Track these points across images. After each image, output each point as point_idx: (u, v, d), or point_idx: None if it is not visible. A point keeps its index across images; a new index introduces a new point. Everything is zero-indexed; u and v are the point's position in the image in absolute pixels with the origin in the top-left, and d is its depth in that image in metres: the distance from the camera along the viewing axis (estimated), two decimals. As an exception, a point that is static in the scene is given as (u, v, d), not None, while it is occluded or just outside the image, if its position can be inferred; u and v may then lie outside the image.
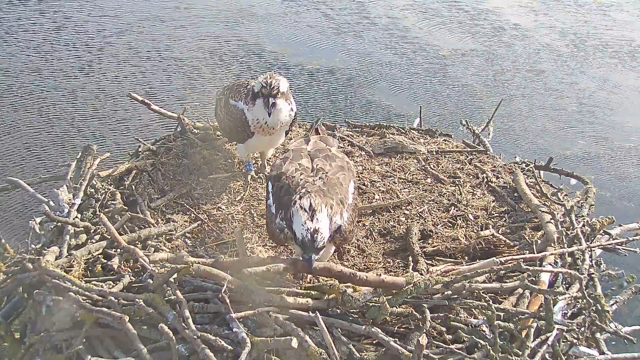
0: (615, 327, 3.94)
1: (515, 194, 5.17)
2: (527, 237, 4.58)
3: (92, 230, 4.28)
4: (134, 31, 9.75)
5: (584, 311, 3.86)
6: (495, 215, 4.95)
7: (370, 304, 3.50)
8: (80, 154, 5.16)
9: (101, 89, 8.19)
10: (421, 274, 3.93)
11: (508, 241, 4.53)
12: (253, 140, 4.97)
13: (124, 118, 7.58)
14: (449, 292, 3.70)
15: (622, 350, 3.98)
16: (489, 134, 6.53)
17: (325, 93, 8.57)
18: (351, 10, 11.26)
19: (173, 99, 7.95)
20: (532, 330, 3.62)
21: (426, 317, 3.54)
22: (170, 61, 8.97)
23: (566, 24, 11.28)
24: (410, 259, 4.36)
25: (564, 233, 4.40)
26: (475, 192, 5.27)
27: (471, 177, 5.49)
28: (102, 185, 4.84)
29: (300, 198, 3.42)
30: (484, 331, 3.59)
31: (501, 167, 5.68)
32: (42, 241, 4.32)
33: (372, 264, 4.43)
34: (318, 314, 3.35)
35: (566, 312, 4.01)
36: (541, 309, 3.70)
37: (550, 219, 4.57)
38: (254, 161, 5.41)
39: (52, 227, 4.44)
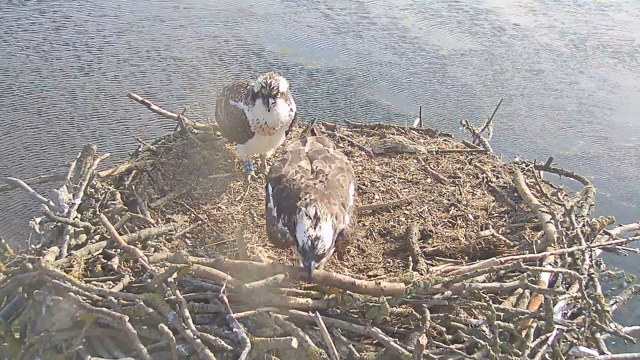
0: (615, 327, 3.94)
1: (515, 194, 5.17)
2: (527, 237, 4.58)
3: (92, 230, 4.28)
4: (134, 31, 9.75)
5: (584, 311, 3.86)
6: (495, 215, 4.95)
7: (370, 304, 3.51)
8: (80, 154, 5.15)
9: (101, 88, 8.19)
10: (421, 274, 3.93)
11: (508, 241, 4.53)
12: (253, 140, 4.97)
13: (124, 118, 7.59)
14: (449, 292, 3.70)
15: (622, 350, 3.98)
16: (488, 134, 6.54)
17: (325, 93, 8.58)
18: (351, 10, 11.26)
19: (173, 99, 7.95)
20: (532, 330, 3.62)
21: (426, 317, 3.55)
22: (169, 61, 8.97)
23: (566, 24, 11.28)
24: (410, 259, 4.36)
25: (564, 233, 4.40)
26: (475, 192, 5.27)
27: (471, 177, 5.49)
28: (102, 185, 4.84)
29: (306, 206, 3.41)
30: (484, 331, 3.59)
31: (501, 167, 5.68)
32: (42, 241, 4.32)
33: (372, 264, 4.43)
34: (318, 314, 3.36)
35: (566, 312, 4.01)
36: (541, 309, 3.70)
37: (550, 219, 4.57)
38: (253, 161, 5.41)
39: (52, 227, 4.44)
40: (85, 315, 3.48)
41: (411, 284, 3.60)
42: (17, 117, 7.48)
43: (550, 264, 4.14)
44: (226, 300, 3.32)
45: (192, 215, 4.75)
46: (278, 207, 3.67)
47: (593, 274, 4.26)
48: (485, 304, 3.54)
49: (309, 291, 3.64)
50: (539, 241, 4.35)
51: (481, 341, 3.45)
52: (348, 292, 3.53)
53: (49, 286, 3.61)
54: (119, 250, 4.00)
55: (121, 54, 9.04)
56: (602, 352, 3.86)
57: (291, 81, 5.58)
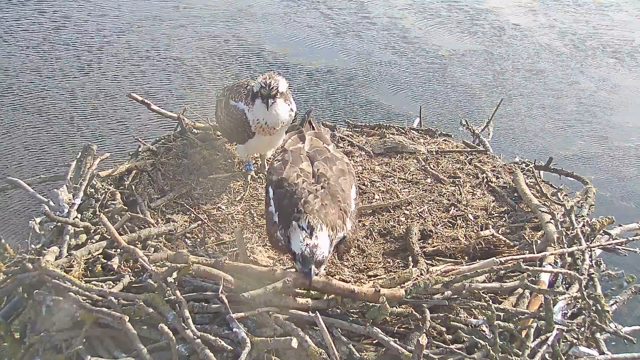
0: (615, 327, 3.94)
1: (515, 194, 5.17)
2: (527, 237, 4.57)
3: (92, 230, 4.27)
4: (134, 31, 9.76)
5: (583, 311, 3.86)
6: (495, 215, 4.95)
7: (370, 304, 3.50)
8: (80, 154, 5.15)
9: (101, 88, 8.19)
10: (421, 274, 3.93)
11: (508, 241, 4.53)
12: (253, 140, 4.97)
13: (124, 118, 7.59)
14: (449, 292, 3.70)
15: (622, 350, 3.98)
16: (488, 134, 6.54)
17: (325, 93, 8.58)
18: (351, 10, 11.26)
19: (173, 98, 7.96)
20: (532, 330, 3.62)
21: (426, 317, 3.54)
22: (169, 61, 8.97)
23: (566, 24, 11.29)
24: (410, 259, 4.35)
25: (564, 233, 4.40)
26: (475, 192, 5.27)
27: (471, 177, 5.49)
28: (102, 185, 4.84)
29: (298, 219, 3.43)
30: (484, 331, 3.59)
31: (501, 167, 5.68)
32: (42, 241, 4.32)
33: (372, 264, 4.43)
34: (318, 314, 3.35)
35: (566, 312, 4.01)
36: (541, 309, 3.69)
37: (550, 219, 4.57)
38: (253, 161, 5.41)
39: (52, 227, 4.44)
40: (85, 315, 3.47)
41: (411, 285, 3.60)
42: (17, 117, 7.48)
43: (550, 264, 4.13)
44: (225, 300, 3.32)
45: (192, 215, 4.75)
46: (279, 213, 3.66)
47: (593, 274, 4.26)
48: (485, 304, 3.54)
49: (308, 291, 3.63)
50: (539, 241, 4.35)
51: (481, 341, 3.45)
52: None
53: (49, 286, 3.61)
54: (119, 250, 3.99)
55: (121, 54, 9.04)
56: (602, 352, 3.86)
57: (291, 81, 5.58)
